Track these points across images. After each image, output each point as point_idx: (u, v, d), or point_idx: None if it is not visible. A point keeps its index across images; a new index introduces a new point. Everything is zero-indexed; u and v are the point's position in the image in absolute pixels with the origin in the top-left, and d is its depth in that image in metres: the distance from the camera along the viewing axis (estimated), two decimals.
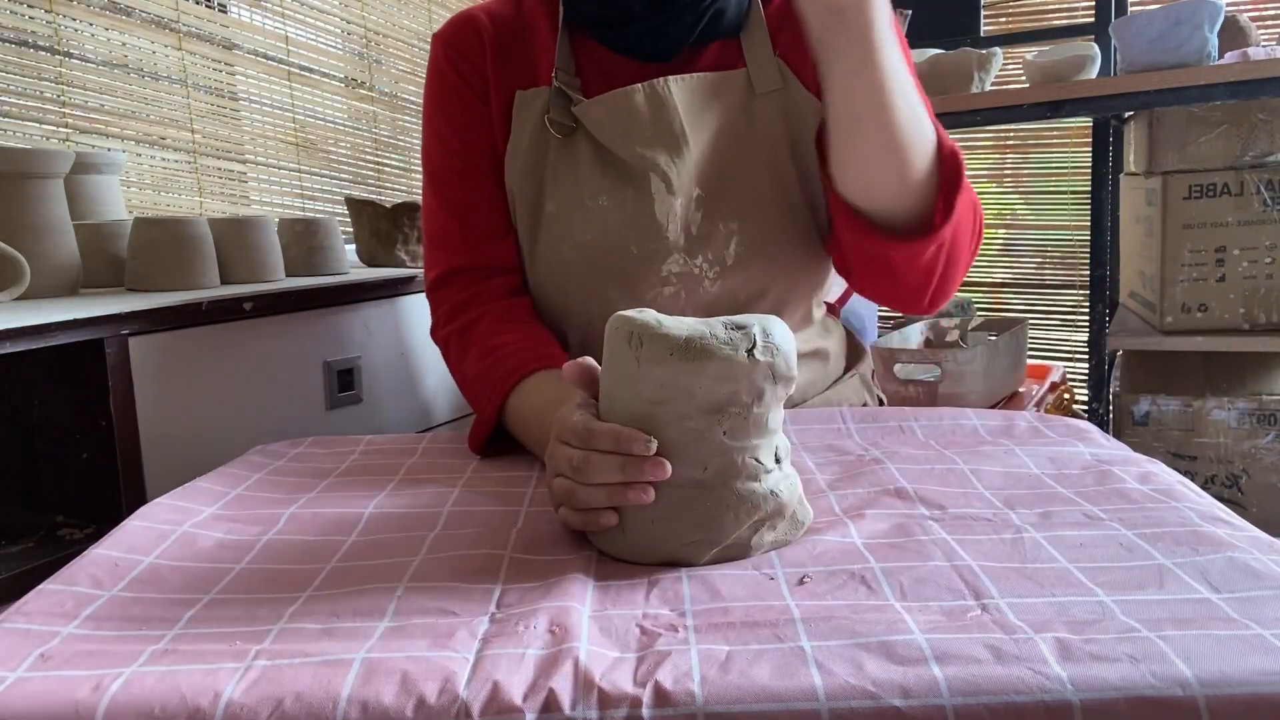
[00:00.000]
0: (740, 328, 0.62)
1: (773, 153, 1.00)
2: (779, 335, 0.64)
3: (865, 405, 1.20)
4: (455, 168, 1.05)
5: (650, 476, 0.61)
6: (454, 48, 1.06)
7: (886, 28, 0.80)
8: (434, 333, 1.07)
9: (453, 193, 1.05)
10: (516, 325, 1.00)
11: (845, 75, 0.82)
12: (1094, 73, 1.99)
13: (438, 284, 1.05)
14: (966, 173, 0.89)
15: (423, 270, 1.32)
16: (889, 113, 0.82)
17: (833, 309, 1.22)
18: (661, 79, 0.98)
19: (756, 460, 0.63)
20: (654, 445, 0.61)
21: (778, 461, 0.65)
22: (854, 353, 1.23)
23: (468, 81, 1.04)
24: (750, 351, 0.61)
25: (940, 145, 0.88)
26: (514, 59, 1.04)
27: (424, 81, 1.11)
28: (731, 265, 1.00)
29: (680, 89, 0.98)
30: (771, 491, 0.63)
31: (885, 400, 1.31)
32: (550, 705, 0.44)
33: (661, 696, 0.44)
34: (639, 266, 0.99)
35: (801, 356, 1.06)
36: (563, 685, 0.45)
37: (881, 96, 0.81)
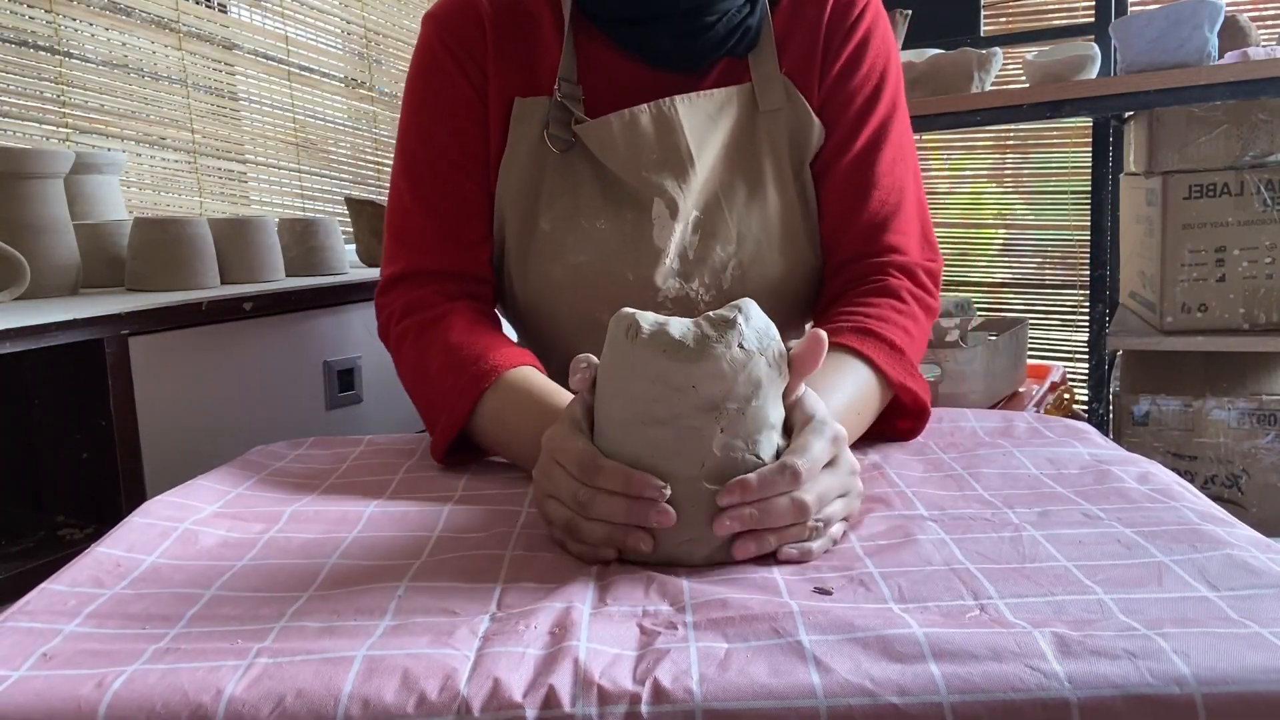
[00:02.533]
0: (725, 321, 0.62)
1: (776, 172, 0.98)
2: (760, 318, 0.64)
3: None
4: (439, 166, 0.98)
5: (654, 524, 0.61)
6: (452, 34, 0.97)
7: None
8: (383, 332, 0.98)
9: (432, 191, 0.98)
10: (485, 329, 0.93)
11: None
12: (1094, 73, 1.99)
13: (395, 281, 0.97)
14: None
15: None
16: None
17: None
18: (669, 99, 0.94)
19: (756, 457, 0.63)
20: (667, 491, 0.61)
21: (778, 459, 0.65)
22: None
23: (466, 74, 0.97)
24: (742, 345, 0.61)
25: (898, 393, 0.88)
26: (515, 57, 0.97)
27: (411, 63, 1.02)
28: (728, 289, 0.97)
29: (687, 109, 0.95)
30: None
31: None
32: (550, 702, 0.44)
33: (660, 694, 0.45)
34: (634, 291, 0.95)
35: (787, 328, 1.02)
36: (562, 682, 0.45)
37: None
